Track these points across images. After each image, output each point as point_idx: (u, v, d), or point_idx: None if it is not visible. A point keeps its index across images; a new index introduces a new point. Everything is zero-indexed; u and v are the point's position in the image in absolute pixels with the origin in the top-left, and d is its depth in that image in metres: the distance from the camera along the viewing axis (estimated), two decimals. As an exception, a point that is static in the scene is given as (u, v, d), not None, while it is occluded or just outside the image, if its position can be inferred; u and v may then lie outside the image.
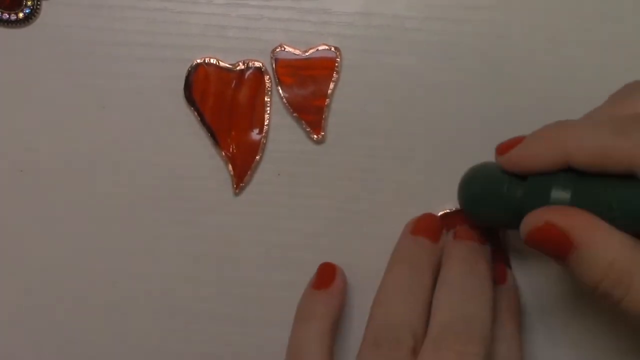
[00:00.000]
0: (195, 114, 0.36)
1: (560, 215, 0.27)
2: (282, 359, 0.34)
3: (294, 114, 0.36)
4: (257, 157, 0.36)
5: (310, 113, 0.36)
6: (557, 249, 0.27)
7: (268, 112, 0.36)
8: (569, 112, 0.31)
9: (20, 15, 0.36)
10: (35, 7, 0.36)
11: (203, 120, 0.36)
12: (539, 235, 0.28)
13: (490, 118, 0.36)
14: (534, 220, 0.28)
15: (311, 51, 0.36)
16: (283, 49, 0.36)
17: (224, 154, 0.36)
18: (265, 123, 0.36)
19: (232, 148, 0.36)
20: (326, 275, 0.35)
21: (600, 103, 0.30)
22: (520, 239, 0.29)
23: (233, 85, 0.36)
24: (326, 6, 0.36)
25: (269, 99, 0.36)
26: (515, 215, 0.29)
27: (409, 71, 0.36)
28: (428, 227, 0.34)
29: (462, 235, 0.34)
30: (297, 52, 0.36)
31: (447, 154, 0.36)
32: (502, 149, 0.30)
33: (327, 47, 0.36)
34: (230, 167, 0.36)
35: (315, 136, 0.36)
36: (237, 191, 0.36)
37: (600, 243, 0.27)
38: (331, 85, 0.36)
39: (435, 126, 0.36)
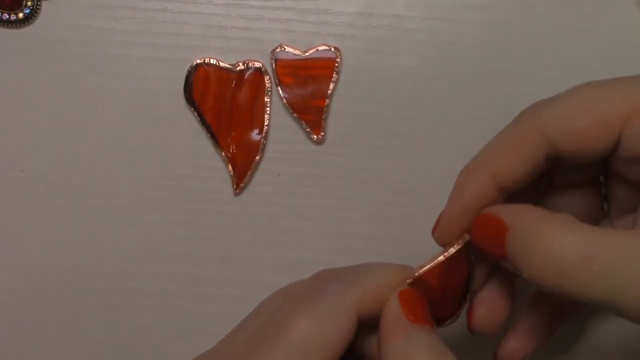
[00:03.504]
0: (195, 114, 0.36)
1: (497, 207, 0.27)
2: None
3: (294, 114, 0.36)
4: (257, 158, 0.36)
5: (310, 113, 0.36)
6: (492, 235, 0.26)
7: (268, 112, 0.36)
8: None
9: (20, 15, 0.36)
10: (35, 7, 0.36)
11: (203, 121, 0.36)
12: (476, 228, 0.27)
13: (490, 118, 0.36)
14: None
15: (311, 51, 0.36)
16: (283, 49, 0.36)
17: (224, 154, 0.36)
18: (265, 123, 0.36)
19: (232, 148, 0.36)
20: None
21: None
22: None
23: (233, 85, 0.36)
24: (326, 6, 0.37)
25: (269, 99, 0.36)
26: None
27: (409, 71, 0.36)
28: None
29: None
30: (297, 52, 0.36)
31: (447, 154, 0.36)
32: (433, 228, 0.29)
33: (327, 47, 0.36)
34: (230, 167, 0.36)
35: (315, 136, 0.36)
36: (237, 191, 0.36)
37: (536, 222, 0.24)
38: (331, 85, 0.36)
39: (435, 126, 0.36)
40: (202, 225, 0.37)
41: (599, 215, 0.30)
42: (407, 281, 0.27)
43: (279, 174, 0.37)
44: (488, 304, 0.29)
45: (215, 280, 0.37)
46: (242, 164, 0.36)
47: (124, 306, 0.37)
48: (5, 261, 0.37)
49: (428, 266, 0.28)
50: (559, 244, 0.23)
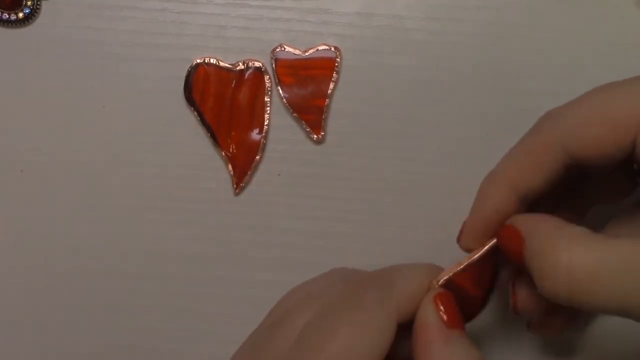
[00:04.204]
0: (195, 114, 0.36)
1: (517, 218, 0.27)
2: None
3: (294, 114, 0.36)
4: (257, 157, 0.36)
5: (310, 113, 0.36)
6: (513, 246, 0.26)
7: (268, 112, 0.36)
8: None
9: (20, 15, 0.36)
10: (35, 7, 0.36)
11: (203, 121, 0.36)
12: (501, 238, 0.27)
13: (490, 118, 0.36)
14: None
15: (311, 51, 0.36)
16: (283, 49, 0.36)
17: (224, 154, 0.36)
18: (265, 123, 0.36)
19: (232, 148, 0.36)
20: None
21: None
22: None
23: (233, 85, 0.36)
24: (326, 6, 0.37)
25: (269, 99, 0.36)
26: None
27: (409, 71, 0.36)
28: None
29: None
30: (297, 52, 0.36)
31: (447, 153, 0.36)
32: (458, 237, 0.30)
33: (327, 47, 0.36)
34: (230, 167, 0.36)
35: (315, 136, 0.36)
36: (237, 191, 0.36)
37: (548, 236, 0.25)
38: (331, 85, 0.36)
39: (435, 126, 0.36)
40: (202, 225, 0.37)
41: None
42: (439, 282, 0.28)
43: (279, 174, 0.37)
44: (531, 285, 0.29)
45: (215, 280, 0.37)
46: (242, 164, 0.36)
47: (124, 306, 0.37)
48: (5, 261, 0.37)
49: (460, 267, 0.28)
50: (568, 258, 0.23)
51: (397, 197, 0.36)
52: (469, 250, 0.29)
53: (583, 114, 0.26)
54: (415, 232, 0.36)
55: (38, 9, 0.36)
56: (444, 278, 0.28)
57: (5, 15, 0.36)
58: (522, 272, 0.30)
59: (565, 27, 0.36)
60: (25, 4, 0.36)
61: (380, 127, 0.36)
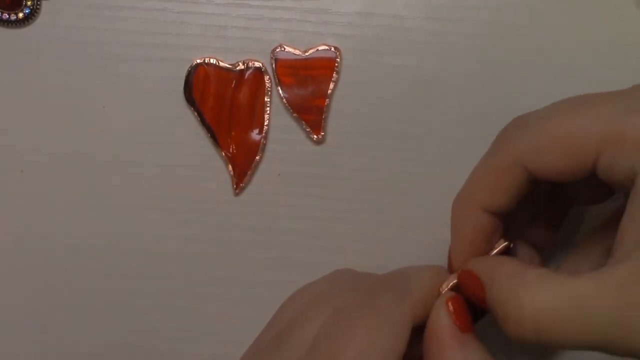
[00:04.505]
0: (195, 114, 0.36)
1: (475, 262, 0.27)
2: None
3: (294, 114, 0.36)
4: (257, 157, 0.36)
5: (310, 113, 0.36)
6: (473, 292, 0.26)
7: (268, 112, 0.36)
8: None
9: (20, 15, 0.36)
10: (35, 7, 0.36)
11: (203, 121, 0.36)
12: (461, 282, 0.27)
13: (490, 118, 0.36)
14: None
15: (311, 51, 0.36)
16: (283, 49, 0.36)
17: (224, 154, 0.36)
18: (265, 123, 0.36)
19: (232, 148, 0.36)
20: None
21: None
22: None
23: (233, 85, 0.36)
24: (326, 6, 0.36)
25: (269, 99, 0.36)
26: None
27: (409, 71, 0.36)
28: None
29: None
30: (297, 52, 0.36)
31: (447, 154, 0.36)
32: (449, 268, 0.30)
33: (327, 47, 0.36)
34: (230, 167, 0.36)
35: (315, 136, 0.36)
36: (237, 191, 0.36)
37: (508, 283, 0.24)
38: (331, 85, 0.36)
39: (435, 126, 0.36)
40: (202, 225, 0.37)
41: None
42: (449, 286, 0.28)
43: (279, 174, 0.37)
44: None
45: (215, 280, 0.37)
46: (242, 164, 0.36)
47: (124, 306, 0.37)
48: (5, 261, 0.37)
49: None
50: (530, 302, 0.23)
51: (397, 197, 0.36)
52: None
53: (541, 137, 0.26)
54: (415, 232, 0.36)
55: (38, 9, 0.36)
56: (453, 282, 0.28)
57: (5, 15, 0.36)
58: None
59: (565, 27, 0.36)
60: (25, 4, 0.36)
61: (380, 127, 0.36)
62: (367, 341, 0.25)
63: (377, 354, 0.25)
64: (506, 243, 0.28)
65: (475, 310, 0.28)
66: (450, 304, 0.27)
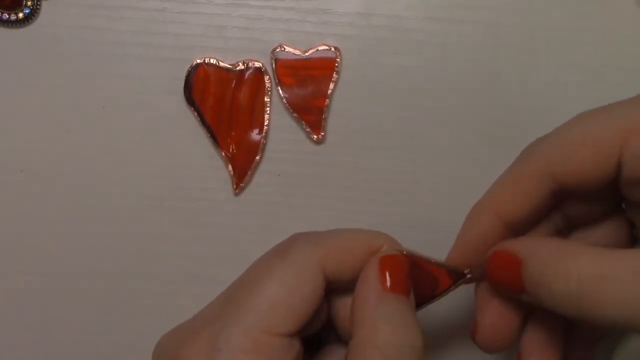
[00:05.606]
0: (195, 114, 0.36)
1: (509, 242, 0.27)
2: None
3: (294, 114, 0.36)
4: (257, 157, 0.36)
5: (310, 113, 0.36)
6: (507, 271, 0.26)
7: (268, 112, 0.36)
8: (568, 112, 0.30)
9: (20, 15, 0.36)
10: (35, 7, 0.36)
11: (203, 121, 0.36)
12: (490, 265, 0.27)
13: (490, 118, 0.36)
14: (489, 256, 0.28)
15: (311, 51, 0.36)
16: (283, 49, 0.36)
17: (224, 154, 0.36)
18: (265, 123, 0.36)
19: (232, 148, 0.36)
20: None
21: (600, 103, 0.30)
22: None
23: (233, 85, 0.36)
24: (326, 6, 0.37)
25: (269, 99, 0.36)
26: None
27: (409, 71, 0.36)
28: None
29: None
30: (297, 52, 0.36)
31: (447, 154, 0.36)
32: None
33: (327, 47, 0.36)
34: (230, 167, 0.36)
35: (315, 136, 0.36)
36: (237, 191, 0.36)
37: (553, 254, 0.25)
38: (331, 85, 0.36)
39: (435, 126, 0.36)
40: (202, 225, 0.37)
41: (632, 243, 0.30)
42: (404, 252, 0.27)
43: (279, 174, 0.37)
44: (494, 315, 0.29)
45: (215, 280, 0.37)
46: (242, 164, 0.36)
47: (124, 306, 0.37)
48: (5, 261, 0.37)
49: (425, 256, 0.28)
50: (576, 269, 0.24)
51: (397, 197, 0.36)
52: None
53: (566, 139, 0.26)
54: (415, 232, 0.36)
55: (38, 9, 0.36)
56: (414, 252, 0.27)
57: (5, 15, 0.36)
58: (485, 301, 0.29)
59: (566, 27, 0.36)
60: (25, 4, 0.36)
61: (380, 127, 0.36)
62: (272, 283, 0.25)
63: (282, 294, 0.25)
64: (468, 272, 0.28)
65: (424, 291, 0.28)
66: (383, 260, 0.26)
